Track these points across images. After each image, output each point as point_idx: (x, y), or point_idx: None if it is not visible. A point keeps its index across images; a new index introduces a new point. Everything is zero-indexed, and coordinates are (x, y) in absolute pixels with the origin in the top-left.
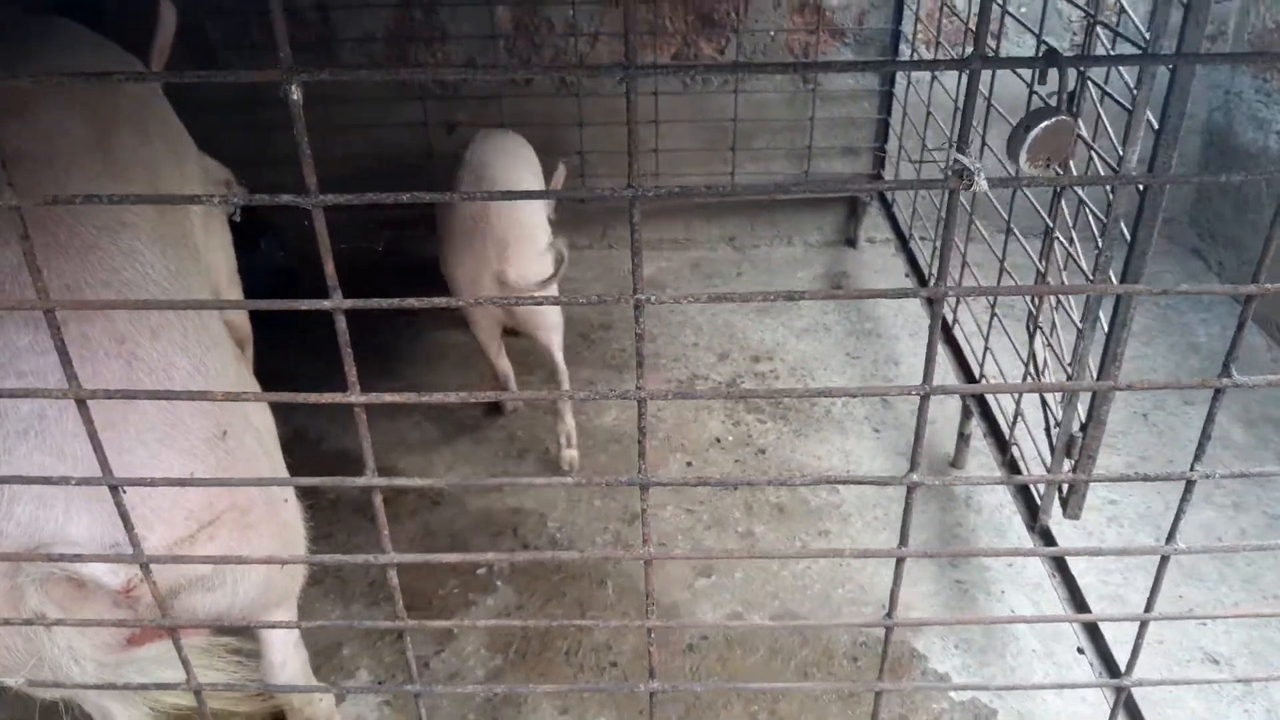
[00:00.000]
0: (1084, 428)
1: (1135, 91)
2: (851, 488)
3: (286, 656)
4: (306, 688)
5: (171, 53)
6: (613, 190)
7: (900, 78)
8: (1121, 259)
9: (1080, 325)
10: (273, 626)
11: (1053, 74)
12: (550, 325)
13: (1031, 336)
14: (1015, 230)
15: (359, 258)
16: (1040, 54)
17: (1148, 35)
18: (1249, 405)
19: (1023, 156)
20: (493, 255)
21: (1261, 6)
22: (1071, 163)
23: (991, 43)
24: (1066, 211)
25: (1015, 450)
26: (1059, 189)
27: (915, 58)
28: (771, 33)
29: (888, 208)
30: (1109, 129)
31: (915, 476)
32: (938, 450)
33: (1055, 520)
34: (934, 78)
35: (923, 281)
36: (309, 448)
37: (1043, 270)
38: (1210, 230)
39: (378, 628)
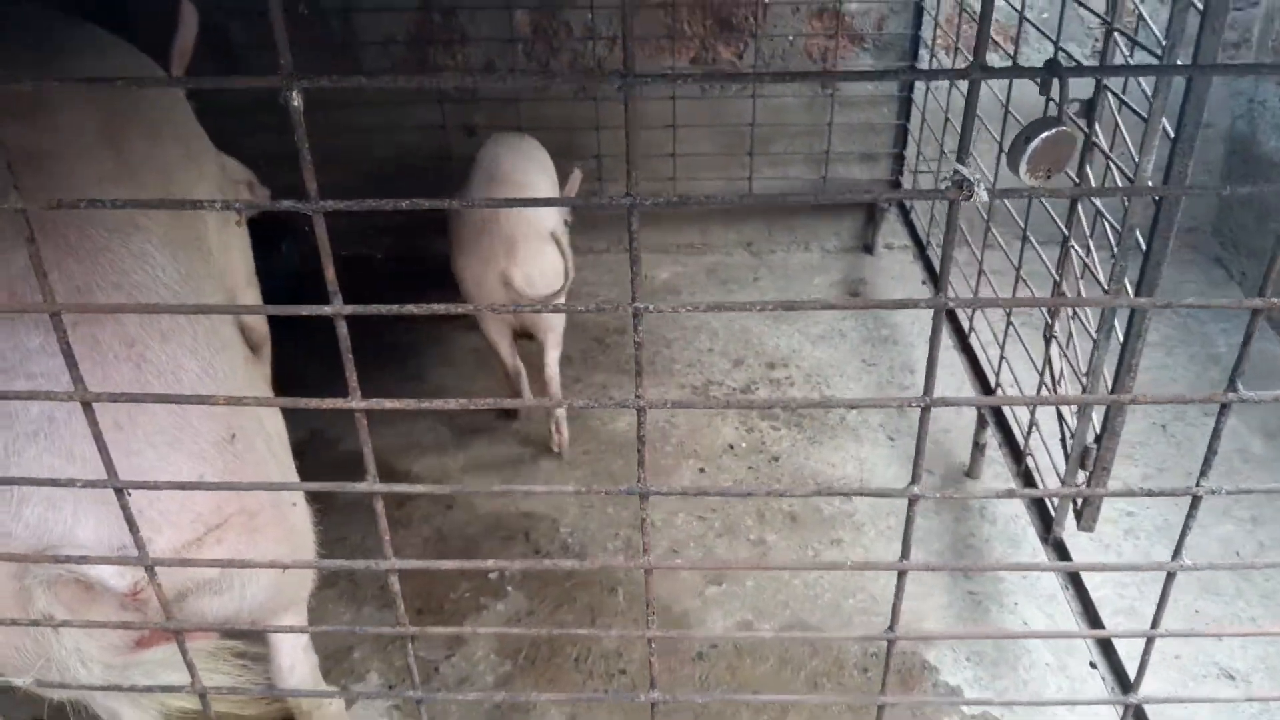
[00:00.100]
0: (1098, 439)
1: (1151, 100)
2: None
3: (296, 660)
4: (309, 692)
5: (193, 54)
6: (611, 199)
7: (919, 83)
8: (1138, 269)
9: (1095, 336)
10: (277, 630)
11: (1067, 83)
12: (550, 326)
13: (1047, 346)
14: (1032, 239)
15: (375, 261)
16: (1049, 63)
17: (1164, 43)
18: (1268, 418)
19: (1022, 168)
20: (500, 256)
21: None
22: (1089, 171)
23: (1010, 49)
24: (1084, 220)
25: (1030, 461)
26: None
27: (935, 63)
28: (790, 37)
29: (905, 214)
30: (1126, 138)
31: (916, 489)
32: (953, 460)
33: (1070, 532)
34: (952, 84)
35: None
36: (326, 448)
37: (1058, 280)
38: (1233, 240)
39: (379, 633)
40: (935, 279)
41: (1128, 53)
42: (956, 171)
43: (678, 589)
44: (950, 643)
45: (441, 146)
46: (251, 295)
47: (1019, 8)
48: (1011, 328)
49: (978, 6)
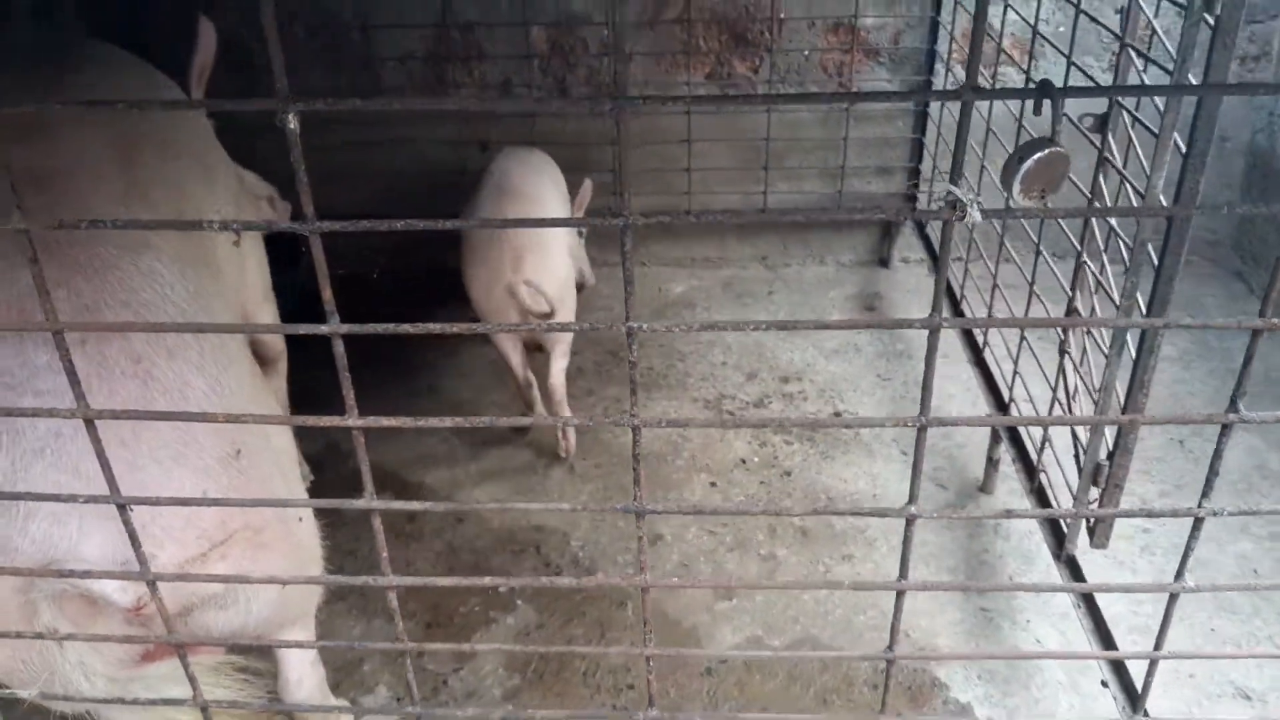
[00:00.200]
0: (1111, 456)
1: (1163, 116)
2: None
3: (304, 674)
4: (313, 706)
5: (213, 71)
6: (604, 219)
7: None
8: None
9: (1107, 354)
10: (280, 645)
11: (1061, 103)
12: (557, 337)
13: (1061, 361)
14: (1045, 254)
15: (388, 275)
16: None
17: (1175, 58)
18: None
19: (1016, 188)
20: (508, 267)
21: None
22: (1104, 185)
23: (1025, 64)
24: (1098, 235)
25: (1044, 477)
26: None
27: (950, 77)
28: (805, 52)
29: (920, 228)
30: (1139, 153)
31: (913, 509)
32: (967, 475)
33: (1084, 549)
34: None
35: (955, 303)
36: (341, 461)
37: (1072, 296)
38: (1253, 254)
39: (379, 649)
40: (950, 294)
41: (1141, 68)
42: (949, 192)
43: (687, 604)
44: (960, 660)
45: (460, 160)
46: (268, 310)
47: (1033, 23)
48: (1025, 343)
49: (997, 25)
